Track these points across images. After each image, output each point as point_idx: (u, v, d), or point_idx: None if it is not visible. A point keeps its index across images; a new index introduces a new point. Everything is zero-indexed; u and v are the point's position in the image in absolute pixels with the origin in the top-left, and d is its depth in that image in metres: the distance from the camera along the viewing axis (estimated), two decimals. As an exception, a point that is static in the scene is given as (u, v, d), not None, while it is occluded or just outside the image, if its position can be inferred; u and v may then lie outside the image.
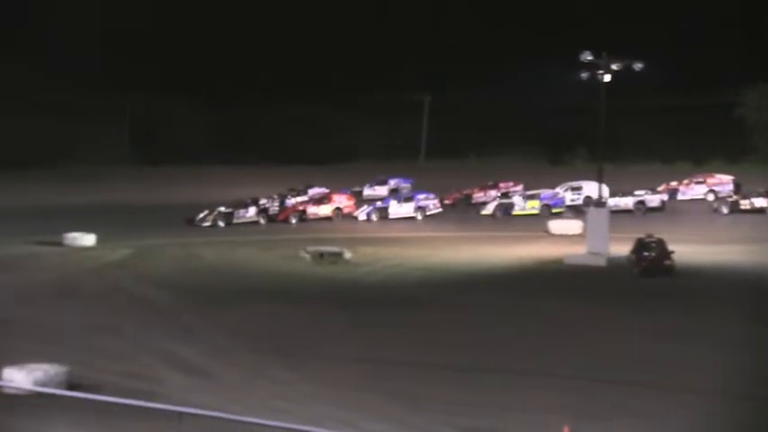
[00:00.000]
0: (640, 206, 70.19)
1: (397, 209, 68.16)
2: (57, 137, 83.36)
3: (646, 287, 45.92)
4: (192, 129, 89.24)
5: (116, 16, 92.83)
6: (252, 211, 66.36)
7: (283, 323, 39.00)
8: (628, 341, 35.15)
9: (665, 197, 71.68)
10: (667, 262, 48.78)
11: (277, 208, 67.72)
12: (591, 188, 69.44)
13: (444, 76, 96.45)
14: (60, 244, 58.27)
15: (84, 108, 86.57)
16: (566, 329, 37.42)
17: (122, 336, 36.00)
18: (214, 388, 29.10)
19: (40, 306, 41.65)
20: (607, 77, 55.66)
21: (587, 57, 55.47)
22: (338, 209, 67.74)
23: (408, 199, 69.32)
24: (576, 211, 69.39)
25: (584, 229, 58.18)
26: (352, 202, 69.29)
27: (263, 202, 67.34)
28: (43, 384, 28.02)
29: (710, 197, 73.55)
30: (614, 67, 55.66)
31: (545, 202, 70.42)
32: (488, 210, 69.61)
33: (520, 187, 74.27)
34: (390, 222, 66.84)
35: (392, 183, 77.76)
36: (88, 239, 59.14)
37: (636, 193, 70.86)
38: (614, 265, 51.03)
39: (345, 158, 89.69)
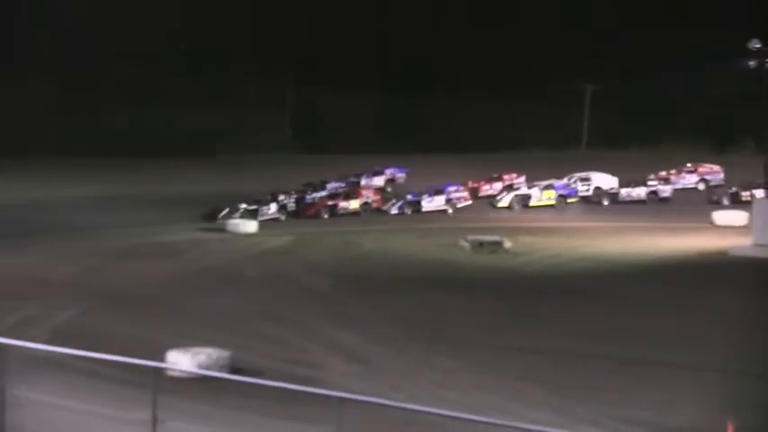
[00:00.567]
0: (653, 196, 69.65)
1: (428, 202, 66.52)
2: (220, 125, 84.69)
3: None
4: (351, 117, 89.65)
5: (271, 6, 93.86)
6: (273, 207, 64.76)
7: (443, 311, 38.79)
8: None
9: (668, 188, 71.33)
10: None
11: (293, 204, 65.84)
12: (599, 179, 68.97)
13: (606, 65, 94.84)
14: (223, 230, 59.18)
15: (248, 96, 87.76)
16: (735, 324, 36.29)
17: (284, 322, 36.23)
18: (375, 375, 29.03)
19: (203, 292, 42.27)
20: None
21: (755, 45, 53.89)
22: (366, 203, 66.36)
23: (439, 192, 67.57)
24: (586, 201, 68.45)
25: (750, 220, 56.59)
26: (378, 197, 67.65)
27: (281, 198, 65.75)
28: (206, 368, 28.41)
29: (701, 186, 73.27)
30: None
31: (560, 192, 69.26)
32: (505, 202, 68.10)
33: (523, 179, 72.33)
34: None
35: (387, 173, 75.31)
36: (250, 226, 59.93)
37: (649, 183, 70.47)
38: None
39: (502, 148, 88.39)
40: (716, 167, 74.96)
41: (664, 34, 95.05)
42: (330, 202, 65.16)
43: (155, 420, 14.88)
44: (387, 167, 75.49)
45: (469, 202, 68.09)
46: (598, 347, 32.59)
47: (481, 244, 53.91)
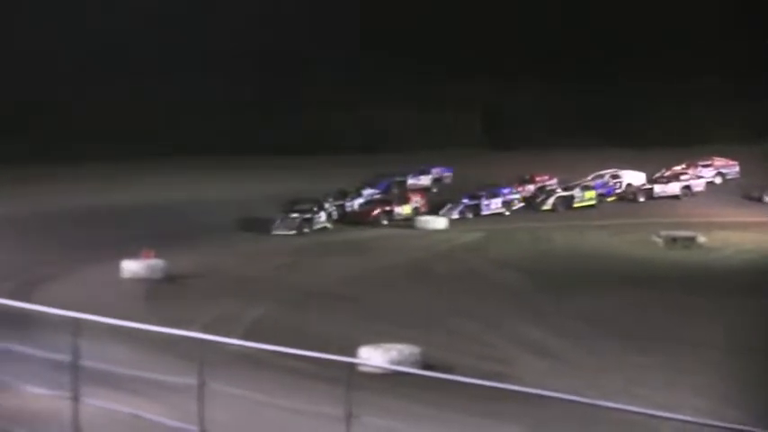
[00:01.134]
0: (686, 191, 67.59)
1: (486, 206, 63.87)
2: (412, 124, 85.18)
3: None
4: (540, 113, 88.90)
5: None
6: (322, 215, 60.48)
7: (636, 307, 38.12)
8: None
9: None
10: None
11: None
12: (629, 176, 68.28)
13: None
14: (412, 227, 59.51)
15: (436, 95, 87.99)
16: None
17: (474, 318, 36.17)
18: (567, 371, 28.73)
19: (393, 288, 42.55)
20: None
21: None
22: (416, 208, 62.89)
23: (494, 195, 64.90)
24: (620, 198, 66.68)
25: None
26: (424, 201, 64.11)
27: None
28: (398, 364, 28.57)
29: (718, 180, 70.74)
30: None
31: (599, 191, 66.48)
32: (548, 204, 65.06)
33: (554, 181, 69.15)
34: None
35: (434, 172, 72.53)
36: (440, 222, 60.10)
37: (682, 177, 68.39)
38: None
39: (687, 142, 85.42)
40: (732, 161, 72.17)
41: None
42: (387, 208, 62.23)
43: (349, 415, 14.95)
44: (433, 167, 72.88)
45: (523, 204, 65.59)
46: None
47: (675, 239, 52.86)
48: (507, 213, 63.88)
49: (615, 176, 69.43)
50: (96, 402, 18.63)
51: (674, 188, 68.18)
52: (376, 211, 61.77)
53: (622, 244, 53.84)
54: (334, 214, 61.48)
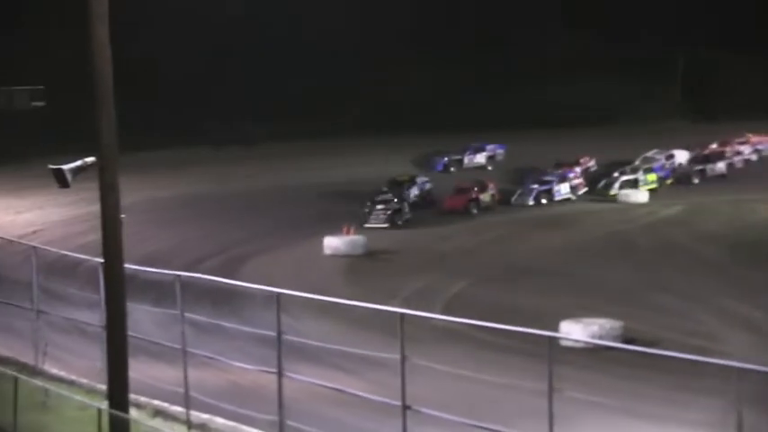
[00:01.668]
0: (731, 169, 64.85)
1: (557, 191, 59.86)
2: (612, 96, 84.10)
3: None
4: (744, 83, 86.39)
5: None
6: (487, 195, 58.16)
7: None
8: None
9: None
10: None
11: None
12: (680, 155, 65.64)
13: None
14: (614, 201, 58.76)
15: (634, 65, 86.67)
16: None
17: (677, 292, 35.49)
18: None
19: (594, 262, 42.08)
20: None
21: None
22: (492, 195, 58.12)
23: (563, 179, 60.96)
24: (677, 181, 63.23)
25: None
26: (496, 188, 59.36)
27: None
28: (599, 338, 28.34)
29: (754, 157, 67.66)
30: None
31: (659, 174, 61.94)
32: (615, 189, 60.12)
33: (593, 162, 65.53)
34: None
35: (488, 149, 69.57)
36: (642, 196, 59.18)
37: (727, 155, 65.68)
38: None
39: None
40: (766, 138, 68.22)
41: None
42: (474, 196, 57.36)
43: (551, 389, 14.87)
44: (487, 144, 70.45)
45: (586, 188, 62.36)
46: None
47: None
48: (574, 198, 60.23)
49: (669, 157, 66.27)
50: (300, 377, 19.04)
51: (721, 167, 65.12)
52: (467, 200, 57.28)
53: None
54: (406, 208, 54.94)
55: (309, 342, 21.11)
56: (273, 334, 18.49)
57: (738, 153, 67.89)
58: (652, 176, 62.49)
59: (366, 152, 69.50)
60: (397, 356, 16.71)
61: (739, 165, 66.90)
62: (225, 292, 31.41)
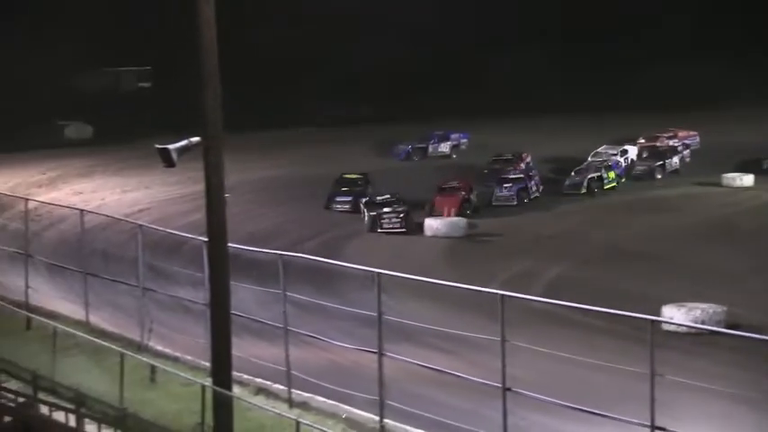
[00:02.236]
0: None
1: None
2: (716, 80, 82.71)
3: None
4: None
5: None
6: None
7: None
8: None
9: None
10: None
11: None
12: (632, 151, 61.88)
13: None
14: (719, 185, 57.86)
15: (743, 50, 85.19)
16: None
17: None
18: None
19: (697, 246, 41.54)
20: None
21: None
22: (478, 195, 51.82)
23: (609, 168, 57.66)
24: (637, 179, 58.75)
25: None
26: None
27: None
28: (701, 323, 28.08)
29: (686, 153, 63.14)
30: None
31: (615, 170, 57.27)
32: (584, 188, 54.39)
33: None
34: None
35: (452, 138, 66.32)
36: (747, 180, 58.17)
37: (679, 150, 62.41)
38: None
39: None
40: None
41: None
42: (466, 196, 50.86)
43: (653, 374, 14.80)
44: (451, 132, 67.27)
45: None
46: None
47: None
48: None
49: (624, 152, 61.06)
50: (400, 357, 19.16)
51: (676, 162, 61.77)
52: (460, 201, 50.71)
53: None
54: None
55: (410, 323, 21.23)
56: (374, 314, 18.64)
57: (673, 147, 63.71)
58: (611, 174, 57.65)
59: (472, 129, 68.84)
60: (497, 338, 16.75)
61: (687, 159, 63.07)
62: (326, 272, 31.65)
